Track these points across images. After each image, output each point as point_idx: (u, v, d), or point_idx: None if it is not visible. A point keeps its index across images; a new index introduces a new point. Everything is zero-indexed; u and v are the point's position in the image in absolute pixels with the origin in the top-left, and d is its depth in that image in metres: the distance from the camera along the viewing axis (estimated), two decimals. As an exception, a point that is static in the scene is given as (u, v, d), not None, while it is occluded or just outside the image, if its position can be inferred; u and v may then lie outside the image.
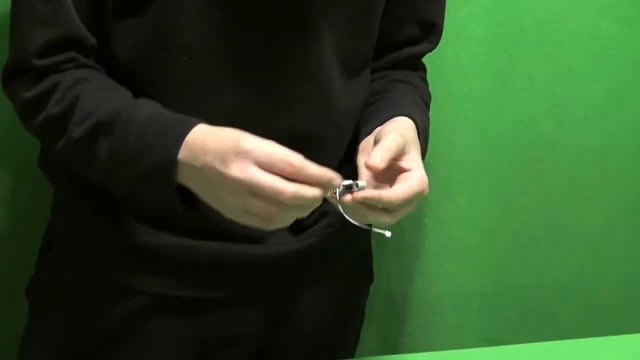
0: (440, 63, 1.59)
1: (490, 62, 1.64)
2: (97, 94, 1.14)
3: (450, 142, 1.66)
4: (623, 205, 1.77)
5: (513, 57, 1.64)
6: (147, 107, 1.13)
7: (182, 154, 1.08)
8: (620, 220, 1.78)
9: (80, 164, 1.18)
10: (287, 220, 1.07)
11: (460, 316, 1.75)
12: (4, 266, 1.55)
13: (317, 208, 1.19)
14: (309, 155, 1.06)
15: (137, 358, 1.28)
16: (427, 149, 1.30)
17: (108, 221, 1.24)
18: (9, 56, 1.19)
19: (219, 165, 1.05)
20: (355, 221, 1.12)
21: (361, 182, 1.10)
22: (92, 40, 1.17)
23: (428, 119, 1.33)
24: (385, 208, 1.12)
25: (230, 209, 1.08)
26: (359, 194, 1.09)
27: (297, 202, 1.04)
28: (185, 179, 1.10)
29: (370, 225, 1.13)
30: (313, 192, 1.05)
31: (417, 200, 1.15)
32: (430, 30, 1.37)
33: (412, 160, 1.16)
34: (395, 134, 1.16)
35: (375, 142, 1.16)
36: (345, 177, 1.10)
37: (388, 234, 1.13)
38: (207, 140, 1.08)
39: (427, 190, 1.15)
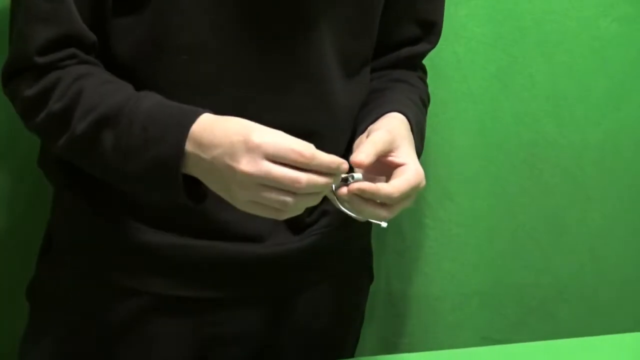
0: (440, 62, 1.59)
1: (489, 61, 1.64)
2: (99, 88, 1.14)
3: (450, 141, 1.66)
4: (623, 204, 1.77)
5: (512, 57, 1.64)
6: (151, 99, 1.13)
7: (189, 146, 1.09)
8: (620, 220, 1.78)
9: (84, 159, 1.18)
10: (299, 209, 1.09)
11: (459, 316, 1.75)
12: (4, 266, 1.55)
13: (317, 207, 1.19)
14: None
15: (137, 358, 1.28)
16: (423, 147, 1.30)
17: (108, 221, 1.24)
18: (8, 56, 1.19)
19: (229, 160, 1.06)
20: (351, 212, 1.12)
21: (357, 175, 1.11)
22: (93, 37, 1.17)
23: (424, 116, 1.34)
24: (383, 202, 1.12)
25: (242, 201, 1.09)
26: (354, 185, 1.10)
27: (311, 189, 1.06)
28: (193, 170, 1.10)
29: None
30: (325, 181, 1.07)
31: (414, 194, 1.15)
32: (429, 30, 1.37)
33: (405, 154, 1.17)
34: (382, 130, 1.17)
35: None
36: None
37: (384, 224, 1.14)
38: (214, 131, 1.08)
39: (423, 182, 1.16)
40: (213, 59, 1.18)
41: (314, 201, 1.09)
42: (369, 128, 1.22)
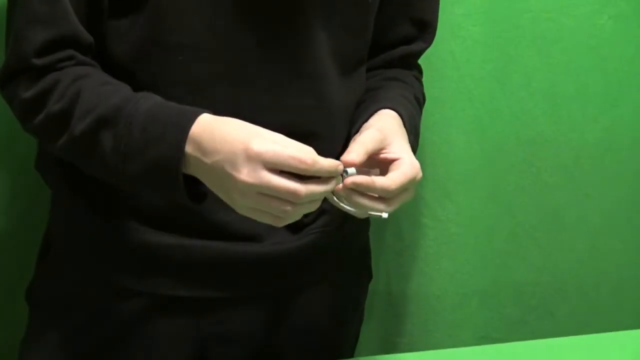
0: (437, 62, 1.59)
1: (486, 60, 1.64)
2: (97, 89, 1.14)
3: (448, 141, 1.66)
4: (621, 202, 1.77)
5: (509, 55, 1.64)
6: (149, 100, 1.13)
7: (189, 148, 1.09)
8: (619, 218, 1.78)
9: (83, 159, 1.18)
10: (298, 216, 1.10)
11: (459, 315, 1.75)
12: (4, 268, 1.55)
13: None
14: None
15: (137, 358, 1.28)
16: (417, 144, 1.30)
17: (107, 222, 1.25)
18: (5, 58, 1.19)
19: (229, 168, 1.07)
20: (350, 207, 1.13)
21: (350, 169, 1.11)
22: (90, 38, 1.18)
23: (418, 114, 1.34)
24: (382, 197, 1.13)
25: (242, 207, 1.10)
26: (348, 180, 1.11)
27: (310, 198, 1.07)
28: (194, 171, 1.11)
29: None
30: (325, 186, 1.08)
31: (412, 187, 1.16)
32: (424, 29, 1.37)
33: (398, 149, 1.17)
34: (371, 129, 1.18)
35: None
36: None
37: (385, 215, 1.14)
38: (214, 134, 1.08)
39: (420, 174, 1.17)
40: (210, 59, 1.18)
41: (313, 207, 1.10)
42: (362, 127, 1.22)
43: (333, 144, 1.27)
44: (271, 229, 1.14)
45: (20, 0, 1.16)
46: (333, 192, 1.11)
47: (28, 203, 1.53)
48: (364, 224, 1.43)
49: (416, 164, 1.17)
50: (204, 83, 1.19)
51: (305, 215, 1.25)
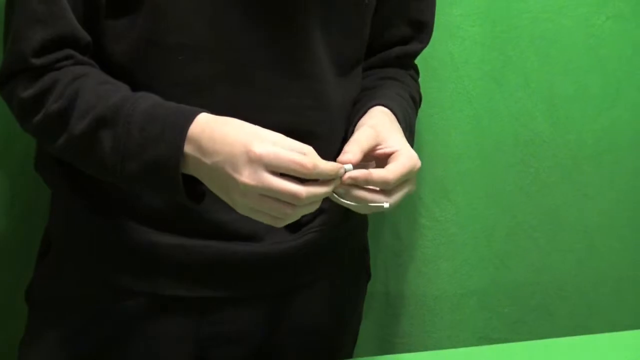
0: (435, 63, 1.59)
1: (484, 61, 1.64)
2: (96, 89, 1.14)
3: (446, 141, 1.66)
4: (620, 202, 1.77)
5: (507, 56, 1.64)
6: (148, 100, 1.13)
7: (189, 148, 1.10)
8: (618, 217, 1.78)
9: (81, 160, 1.18)
10: (298, 216, 1.11)
11: (458, 315, 1.75)
12: (3, 269, 1.55)
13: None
14: None
15: (137, 359, 1.28)
16: (413, 141, 1.30)
17: (106, 222, 1.25)
18: (4, 58, 1.19)
19: (230, 170, 1.07)
20: (351, 203, 1.14)
21: (347, 165, 1.12)
22: (88, 38, 1.18)
23: (413, 112, 1.34)
24: (383, 190, 1.14)
25: (242, 207, 1.10)
26: (346, 175, 1.12)
27: (310, 200, 1.08)
28: (194, 172, 1.11)
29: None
30: (326, 188, 1.09)
31: (413, 178, 1.17)
32: (421, 30, 1.37)
33: (394, 142, 1.18)
34: (364, 127, 1.19)
35: None
36: None
37: (386, 205, 1.14)
38: (213, 135, 1.09)
39: (418, 164, 1.17)
40: (210, 59, 1.19)
41: (313, 208, 1.11)
42: (356, 125, 1.23)
43: (331, 144, 1.27)
44: (270, 228, 1.15)
45: (19, 0, 1.16)
46: (333, 192, 1.12)
47: (28, 203, 1.53)
48: (363, 223, 1.43)
49: (413, 154, 1.17)
50: (203, 83, 1.19)
51: (304, 215, 1.26)
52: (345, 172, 1.12)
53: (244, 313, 1.28)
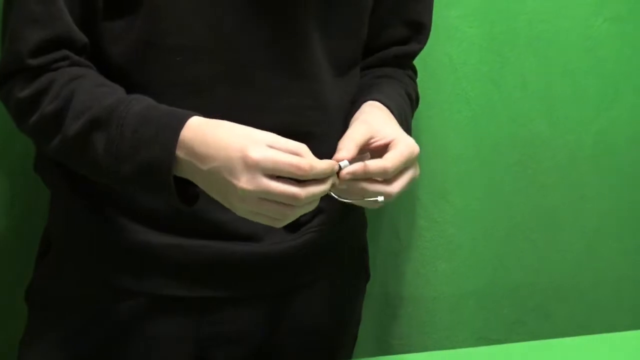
0: (433, 64, 1.59)
1: (482, 62, 1.64)
2: (91, 91, 1.14)
3: (444, 142, 1.66)
4: (617, 203, 1.77)
5: (505, 57, 1.64)
6: (141, 103, 1.14)
7: (182, 152, 1.10)
8: (615, 219, 1.78)
9: (76, 160, 1.18)
10: (297, 216, 1.11)
11: (456, 316, 1.75)
12: (3, 269, 1.55)
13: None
14: None
15: (136, 359, 1.28)
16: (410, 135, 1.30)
17: (106, 223, 1.25)
18: (2, 58, 1.19)
19: (227, 176, 1.07)
20: (350, 199, 1.14)
21: (343, 162, 1.13)
22: (84, 39, 1.18)
23: (409, 107, 1.34)
24: (386, 180, 1.14)
25: (241, 211, 1.11)
26: (343, 172, 1.12)
27: (309, 200, 1.09)
28: (189, 176, 1.11)
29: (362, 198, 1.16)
30: (323, 187, 1.10)
31: (413, 164, 1.17)
32: (418, 31, 1.37)
33: (389, 132, 1.18)
34: (356, 122, 1.20)
35: None
36: None
37: (380, 198, 1.15)
38: (207, 139, 1.09)
39: (416, 150, 1.17)
40: (207, 60, 1.19)
41: (312, 207, 1.12)
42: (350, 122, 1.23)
43: (330, 144, 1.26)
44: (269, 228, 1.15)
45: (16, 0, 1.16)
46: (332, 190, 1.12)
47: (28, 203, 1.53)
48: (362, 222, 1.43)
49: (410, 140, 1.17)
50: (202, 84, 1.19)
51: (303, 215, 1.26)
52: (341, 168, 1.12)
53: (244, 313, 1.28)
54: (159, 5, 1.16)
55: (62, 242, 1.30)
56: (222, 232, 1.23)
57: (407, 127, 1.29)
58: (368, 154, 1.17)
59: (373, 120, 1.20)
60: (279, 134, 1.10)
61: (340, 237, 1.34)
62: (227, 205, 1.11)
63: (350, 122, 1.22)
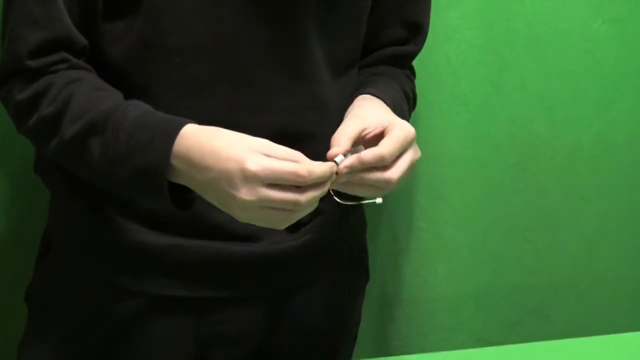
0: (431, 65, 1.59)
1: (481, 63, 1.64)
2: (89, 94, 1.14)
3: (443, 144, 1.66)
4: (617, 204, 1.78)
5: (504, 59, 1.65)
6: (138, 108, 1.14)
7: (177, 161, 1.10)
8: (614, 220, 1.79)
9: (73, 163, 1.18)
10: (297, 219, 1.11)
11: (455, 317, 1.75)
12: (3, 270, 1.55)
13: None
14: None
15: (136, 359, 1.28)
16: None
17: (106, 223, 1.25)
18: (2, 58, 1.19)
19: (227, 187, 1.08)
20: (347, 201, 1.14)
21: (338, 157, 1.13)
22: (84, 41, 1.18)
23: (404, 102, 1.33)
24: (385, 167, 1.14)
25: (242, 218, 1.11)
26: (340, 166, 1.12)
27: (310, 203, 1.09)
28: (187, 184, 1.11)
29: (361, 198, 1.17)
30: (323, 189, 1.10)
31: (411, 146, 1.16)
32: (416, 32, 1.37)
33: (382, 120, 1.18)
34: (347, 117, 1.20)
35: None
36: None
37: (379, 200, 1.15)
38: (202, 149, 1.09)
39: (412, 132, 1.17)
40: (207, 60, 1.19)
41: (312, 208, 1.12)
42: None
43: (328, 144, 1.27)
44: (269, 229, 1.15)
45: (16, 0, 1.16)
46: (331, 189, 1.12)
47: (28, 203, 1.53)
48: (362, 223, 1.43)
49: (404, 124, 1.17)
50: (203, 84, 1.19)
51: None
52: (338, 163, 1.12)
53: (244, 313, 1.28)
54: (158, 6, 1.16)
55: (62, 242, 1.30)
56: (221, 232, 1.23)
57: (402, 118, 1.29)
58: (362, 146, 1.16)
59: (364, 113, 1.20)
60: (278, 134, 1.10)
61: (340, 238, 1.34)
62: (227, 212, 1.12)
63: (344, 118, 1.22)
